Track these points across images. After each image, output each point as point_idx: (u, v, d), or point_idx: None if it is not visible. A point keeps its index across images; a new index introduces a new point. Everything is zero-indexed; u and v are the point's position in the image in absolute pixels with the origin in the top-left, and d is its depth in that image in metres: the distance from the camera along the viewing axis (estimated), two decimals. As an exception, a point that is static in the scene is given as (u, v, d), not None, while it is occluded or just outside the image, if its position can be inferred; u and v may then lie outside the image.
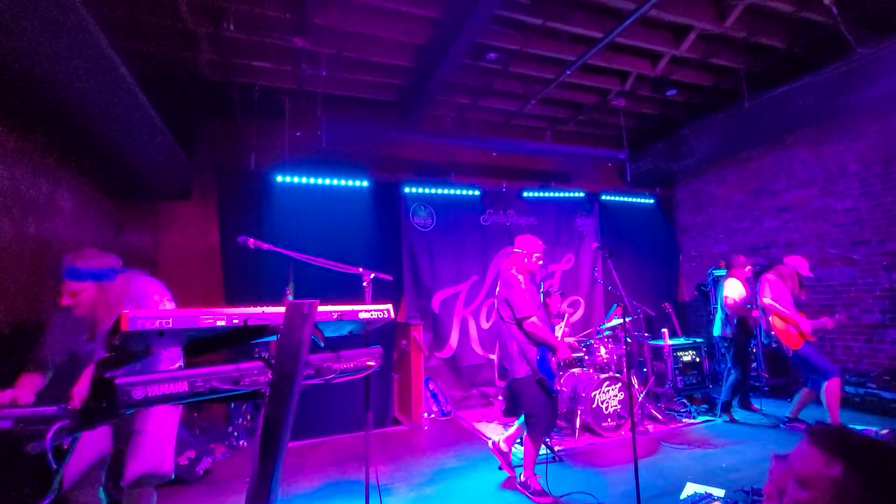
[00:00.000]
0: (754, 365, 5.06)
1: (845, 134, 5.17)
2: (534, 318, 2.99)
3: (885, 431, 3.42)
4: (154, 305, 2.03)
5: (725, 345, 4.71)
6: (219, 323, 1.25)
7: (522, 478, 3.11)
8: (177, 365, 2.20)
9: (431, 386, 5.19)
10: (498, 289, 3.25)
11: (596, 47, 4.00)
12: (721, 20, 4.11)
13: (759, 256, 5.90)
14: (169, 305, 2.07)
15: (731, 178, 6.53)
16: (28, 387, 1.89)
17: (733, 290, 4.53)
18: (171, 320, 1.17)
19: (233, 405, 4.26)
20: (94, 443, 2.01)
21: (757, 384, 5.20)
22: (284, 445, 1.32)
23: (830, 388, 3.80)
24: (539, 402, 3.04)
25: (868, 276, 4.97)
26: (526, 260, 3.18)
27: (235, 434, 4.23)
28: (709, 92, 5.46)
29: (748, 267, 4.70)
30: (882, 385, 4.50)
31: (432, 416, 4.98)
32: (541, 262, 3.22)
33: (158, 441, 2.09)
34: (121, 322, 1.09)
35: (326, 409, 4.42)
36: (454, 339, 5.52)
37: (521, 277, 3.11)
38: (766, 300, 4.09)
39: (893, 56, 3.73)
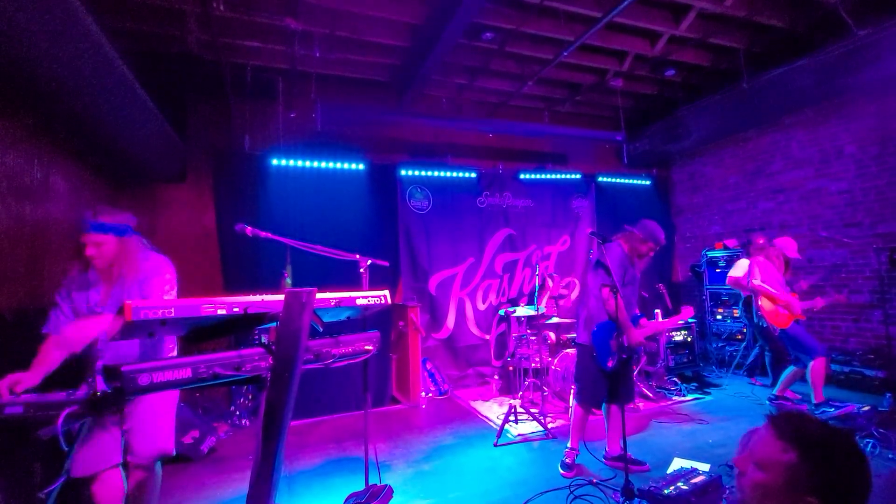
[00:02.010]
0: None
1: (843, 115, 5.16)
2: (614, 289, 2.89)
3: (866, 408, 3.53)
4: (160, 286, 2.15)
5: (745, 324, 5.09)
6: (220, 312, 1.28)
7: (569, 444, 3.26)
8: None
9: (429, 366, 5.30)
10: (592, 252, 3.26)
11: (595, 27, 3.95)
12: (721, -1, 4.05)
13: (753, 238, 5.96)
14: (171, 293, 2.16)
15: (728, 160, 6.53)
16: (44, 362, 1.92)
17: (737, 269, 4.66)
18: (173, 310, 1.20)
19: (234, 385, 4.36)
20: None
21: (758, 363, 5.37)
22: (286, 427, 1.37)
23: (816, 367, 3.91)
24: (586, 372, 3.18)
25: (859, 258, 5.04)
26: (639, 244, 3.15)
27: (238, 413, 4.33)
28: (707, 72, 5.41)
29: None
30: (866, 363, 4.64)
31: (430, 395, 5.10)
32: (651, 254, 3.19)
33: (159, 422, 2.19)
34: (125, 312, 1.13)
35: (326, 388, 4.51)
36: (451, 320, 5.60)
37: (623, 252, 3.14)
38: (756, 282, 4.17)
39: (892, 38, 3.70)
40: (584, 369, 3.22)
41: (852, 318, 5.12)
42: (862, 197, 5.02)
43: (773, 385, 4.72)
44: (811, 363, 3.93)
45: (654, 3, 4.22)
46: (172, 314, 1.20)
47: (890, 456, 3.08)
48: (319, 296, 1.47)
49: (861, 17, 3.80)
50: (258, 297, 1.37)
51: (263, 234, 2.53)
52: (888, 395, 3.86)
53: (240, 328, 1.40)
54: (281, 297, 1.37)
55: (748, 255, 4.87)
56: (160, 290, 2.15)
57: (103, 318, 1.96)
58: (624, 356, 3.06)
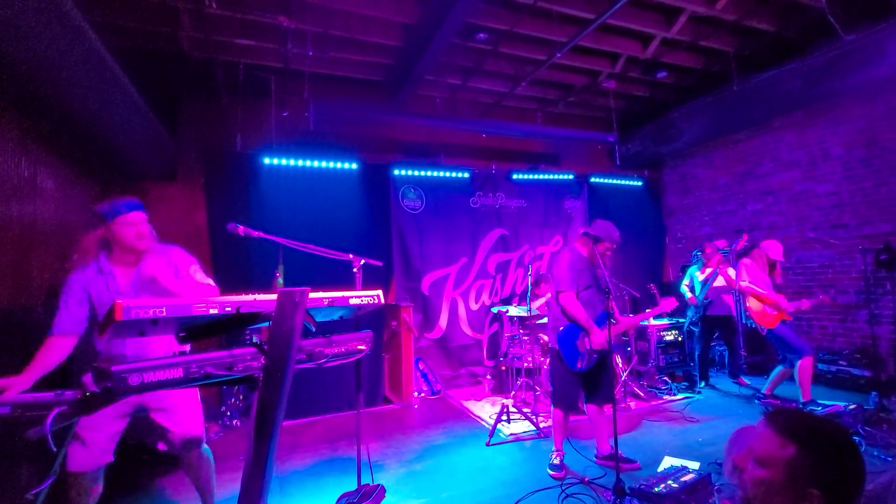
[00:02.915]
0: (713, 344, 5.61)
1: (831, 118, 5.25)
2: (569, 294, 3.04)
3: (852, 406, 3.58)
4: (189, 267, 2.23)
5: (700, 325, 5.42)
6: (212, 311, 1.27)
7: (553, 447, 3.29)
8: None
9: (421, 366, 5.30)
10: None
11: (588, 28, 3.97)
12: (712, 2, 4.10)
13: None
14: (199, 274, 2.23)
15: (718, 161, 6.60)
16: (39, 365, 1.89)
17: (687, 276, 5.49)
18: (164, 309, 1.19)
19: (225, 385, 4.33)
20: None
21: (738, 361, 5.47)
22: (278, 427, 1.36)
23: (803, 367, 3.98)
24: (556, 374, 3.24)
25: (845, 259, 5.12)
26: (597, 245, 3.17)
27: (228, 413, 4.29)
28: (699, 75, 5.47)
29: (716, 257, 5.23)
30: (853, 363, 4.72)
31: (422, 395, 5.10)
32: (609, 253, 3.20)
33: (192, 406, 2.27)
34: (115, 311, 1.11)
35: (319, 388, 4.49)
36: (443, 320, 5.60)
37: (576, 255, 3.18)
38: (744, 283, 4.23)
39: (879, 43, 3.77)
40: (554, 372, 3.27)
41: (839, 318, 5.21)
42: (849, 199, 5.11)
43: (732, 374, 5.21)
44: (798, 362, 4.00)
45: (647, 6, 4.26)
46: (164, 313, 1.19)
47: (875, 453, 3.14)
48: (312, 295, 1.46)
49: (848, 22, 3.86)
50: (250, 297, 1.36)
51: (255, 233, 2.51)
52: (874, 393, 3.93)
53: (232, 328, 1.39)
54: (273, 296, 1.36)
55: (703, 264, 5.33)
56: (191, 260, 2.24)
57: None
58: (595, 356, 3.09)
